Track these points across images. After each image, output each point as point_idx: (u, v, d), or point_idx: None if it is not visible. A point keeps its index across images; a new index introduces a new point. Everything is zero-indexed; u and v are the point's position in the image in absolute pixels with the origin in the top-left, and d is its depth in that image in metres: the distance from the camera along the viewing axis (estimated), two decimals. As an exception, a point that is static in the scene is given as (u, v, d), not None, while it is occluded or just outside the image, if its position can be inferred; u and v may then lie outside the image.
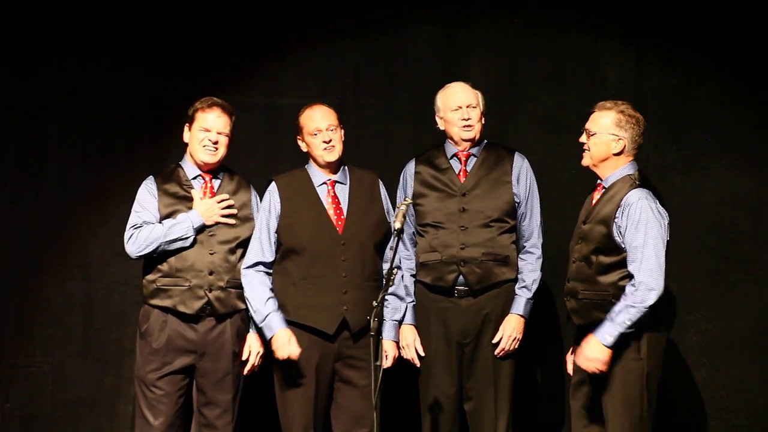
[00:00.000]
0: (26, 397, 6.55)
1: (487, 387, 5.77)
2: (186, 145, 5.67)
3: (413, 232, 5.87)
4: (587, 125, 5.39)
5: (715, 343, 6.43)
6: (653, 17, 6.45)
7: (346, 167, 5.73)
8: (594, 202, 5.43)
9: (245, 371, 5.63)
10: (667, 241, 5.37)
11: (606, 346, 5.22)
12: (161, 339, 5.53)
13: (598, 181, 5.44)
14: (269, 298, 5.58)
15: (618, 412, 5.27)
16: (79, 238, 6.52)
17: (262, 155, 6.60)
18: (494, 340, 5.76)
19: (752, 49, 6.37)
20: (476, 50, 6.56)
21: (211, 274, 5.54)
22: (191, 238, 5.53)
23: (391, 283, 5.14)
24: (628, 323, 5.21)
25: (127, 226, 5.59)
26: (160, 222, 5.55)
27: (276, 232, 5.64)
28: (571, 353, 5.56)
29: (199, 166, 5.64)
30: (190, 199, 5.60)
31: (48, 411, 6.55)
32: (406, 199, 5.44)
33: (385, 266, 5.62)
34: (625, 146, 5.36)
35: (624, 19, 6.48)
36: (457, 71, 6.38)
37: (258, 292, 5.57)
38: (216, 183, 5.66)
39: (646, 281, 5.21)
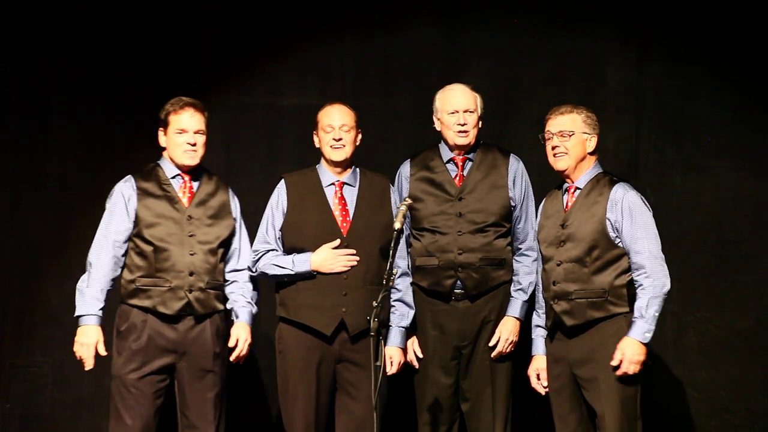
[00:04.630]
0: (26, 397, 6.55)
1: (484, 387, 5.77)
2: (163, 148, 5.64)
3: (408, 235, 5.85)
4: (560, 128, 5.42)
5: (715, 343, 6.43)
6: (653, 17, 6.45)
7: (357, 169, 5.71)
8: (568, 205, 5.45)
9: (232, 357, 5.58)
10: (664, 240, 5.41)
11: (644, 344, 5.25)
12: (142, 339, 5.50)
13: (568, 184, 5.47)
14: (290, 256, 5.59)
15: (616, 412, 5.27)
16: (79, 238, 6.49)
17: (262, 155, 6.60)
18: (491, 343, 5.76)
19: (752, 49, 6.38)
20: (476, 50, 6.56)
21: (191, 274, 5.52)
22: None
23: (390, 283, 5.14)
24: (657, 314, 5.28)
25: (97, 236, 5.57)
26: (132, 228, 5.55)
27: (280, 230, 5.65)
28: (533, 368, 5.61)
29: (179, 167, 5.62)
30: (171, 199, 5.58)
31: (48, 411, 6.55)
32: (406, 199, 5.43)
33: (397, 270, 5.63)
34: (596, 144, 5.44)
35: (624, 19, 6.48)
36: (457, 71, 6.38)
37: (279, 261, 5.58)
38: (195, 183, 5.64)
39: (658, 270, 5.29)
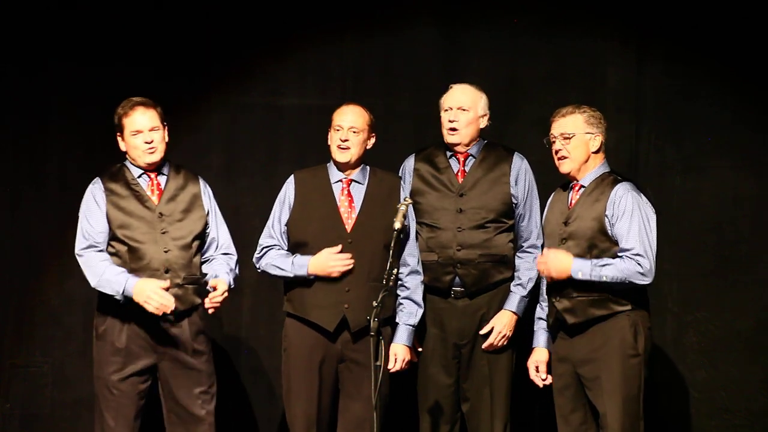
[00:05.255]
0: (26, 397, 6.55)
1: (483, 387, 5.77)
2: (124, 153, 5.61)
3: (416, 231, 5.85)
4: (561, 131, 5.42)
5: (715, 343, 6.43)
6: (653, 17, 6.45)
7: (368, 168, 5.70)
8: (572, 202, 5.46)
9: (207, 301, 5.46)
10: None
11: (571, 275, 5.30)
12: (121, 340, 5.47)
13: (573, 182, 5.48)
14: (291, 257, 5.59)
15: (619, 411, 5.28)
16: (79, 238, 6.52)
17: (262, 155, 6.60)
18: (482, 332, 5.75)
19: (752, 49, 6.38)
20: (476, 50, 6.56)
21: (167, 272, 5.50)
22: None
23: (390, 282, 5.14)
24: (607, 281, 5.28)
25: (77, 242, 5.54)
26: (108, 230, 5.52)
27: (286, 225, 5.65)
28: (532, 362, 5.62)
29: (142, 166, 5.60)
30: (140, 198, 5.55)
31: (48, 411, 6.55)
32: (407, 199, 5.45)
33: (403, 269, 5.64)
34: (601, 143, 5.44)
35: (624, 19, 6.48)
36: (457, 71, 6.38)
37: (280, 262, 5.60)
38: (162, 179, 5.61)
39: (648, 268, 5.28)
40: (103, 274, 5.46)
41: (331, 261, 5.54)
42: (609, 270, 5.28)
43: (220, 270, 5.58)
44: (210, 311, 5.50)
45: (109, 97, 6.47)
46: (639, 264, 5.27)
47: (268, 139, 6.62)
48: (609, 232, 5.34)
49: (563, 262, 5.32)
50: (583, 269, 5.29)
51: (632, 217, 5.31)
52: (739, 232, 6.43)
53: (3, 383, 6.54)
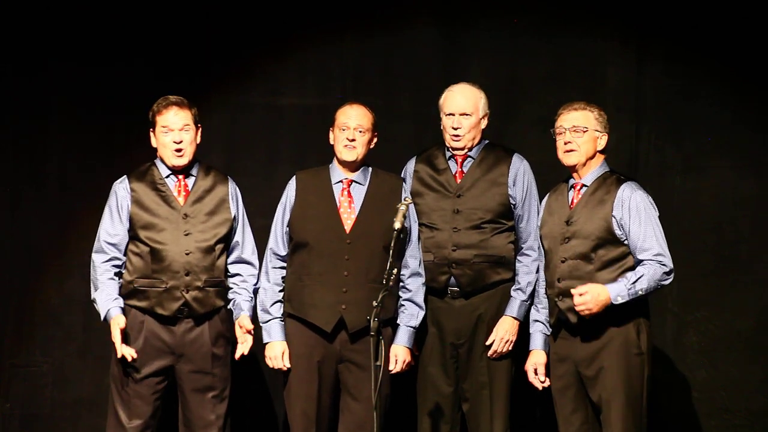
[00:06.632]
0: (26, 397, 6.55)
1: (482, 388, 5.77)
2: (155, 148, 5.63)
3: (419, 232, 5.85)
4: (573, 123, 5.42)
5: (715, 343, 6.43)
6: (653, 17, 6.45)
7: (370, 169, 5.71)
8: (574, 202, 5.45)
9: (237, 356, 5.52)
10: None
11: (613, 303, 5.25)
12: (138, 340, 5.48)
13: (574, 180, 5.47)
14: (276, 302, 5.62)
15: (622, 410, 5.27)
16: (79, 238, 6.51)
17: (262, 155, 6.60)
18: (487, 342, 5.76)
19: (752, 49, 6.38)
20: (476, 50, 6.56)
21: (187, 274, 5.50)
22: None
23: (390, 283, 5.14)
24: (641, 293, 5.27)
25: (98, 236, 5.59)
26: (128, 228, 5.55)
27: (288, 225, 5.66)
28: (532, 365, 5.60)
29: (170, 167, 5.61)
30: (166, 198, 5.56)
31: (48, 411, 6.55)
32: (406, 199, 5.45)
33: (404, 271, 5.65)
34: (606, 143, 5.45)
35: (624, 19, 6.48)
36: (457, 71, 6.38)
37: (269, 290, 5.62)
38: (190, 181, 5.61)
39: (669, 265, 5.31)
40: (98, 293, 5.50)
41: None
42: (642, 283, 5.27)
43: (241, 296, 5.58)
44: (237, 357, 5.52)
45: (109, 97, 6.51)
46: (663, 264, 5.30)
47: (268, 139, 6.63)
48: (617, 232, 5.34)
49: (602, 296, 5.25)
50: (621, 293, 5.26)
51: (645, 217, 5.32)
52: (739, 232, 6.43)
53: (3, 383, 6.54)
